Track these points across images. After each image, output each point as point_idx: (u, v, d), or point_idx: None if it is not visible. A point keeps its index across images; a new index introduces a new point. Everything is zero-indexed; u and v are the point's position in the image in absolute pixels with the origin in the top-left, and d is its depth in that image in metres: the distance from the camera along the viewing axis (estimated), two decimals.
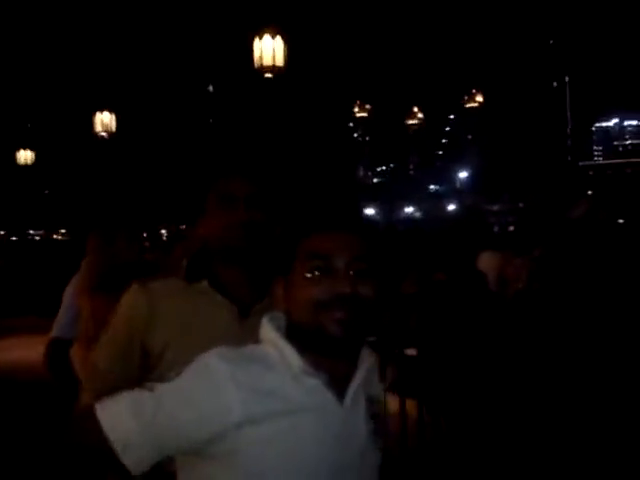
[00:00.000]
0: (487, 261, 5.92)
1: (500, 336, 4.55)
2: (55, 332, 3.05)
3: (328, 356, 1.08)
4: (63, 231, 39.04)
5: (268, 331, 1.11)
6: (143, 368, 1.50)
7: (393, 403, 4.05)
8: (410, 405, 4.15)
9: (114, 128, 15.86)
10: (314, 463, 1.05)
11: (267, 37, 9.17)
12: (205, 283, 1.54)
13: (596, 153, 69.15)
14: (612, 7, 59.56)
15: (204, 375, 1.03)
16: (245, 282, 1.56)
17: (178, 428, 1.01)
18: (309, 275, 1.07)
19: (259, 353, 1.09)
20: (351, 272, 1.07)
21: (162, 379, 1.08)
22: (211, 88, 69.35)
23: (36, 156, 20.21)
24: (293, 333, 1.10)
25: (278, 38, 9.17)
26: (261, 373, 1.05)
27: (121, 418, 1.02)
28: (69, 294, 3.10)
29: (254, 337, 1.20)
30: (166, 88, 54.78)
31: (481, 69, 69.08)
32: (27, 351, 8.73)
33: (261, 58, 9.25)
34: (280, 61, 9.28)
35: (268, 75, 9.23)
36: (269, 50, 9.19)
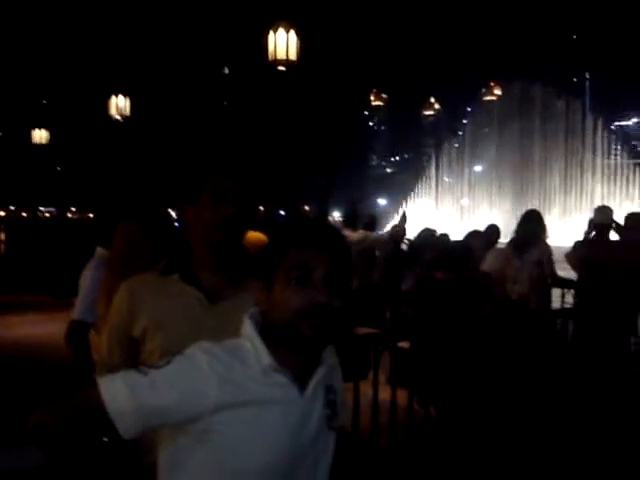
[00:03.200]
0: (491, 261, 6.02)
1: (495, 333, 4.69)
2: (77, 315, 3.17)
3: (298, 354, 1.29)
4: (74, 209, 39.31)
5: (247, 328, 1.31)
6: (133, 355, 1.73)
7: (384, 393, 4.21)
8: (401, 396, 4.31)
9: (128, 112, 16.00)
10: (275, 445, 1.26)
11: (281, 31, 9.24)
12: (176, 275, 1.75)
13: (615, 152, 68.25)
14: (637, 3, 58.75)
15: (188, 365, 1.24)
16: (216, 271, 1.76)
17: (163, 407, 1.21)
18: (290, 284, 1.25)
19: (237, 347, 1.29)
20: (326, 284, 1.25)
21: (145, 363, 1.32)
22: (226, 70, 69.11)
23: (51, 135, 20.40)
24: (268, 331, 1.29)
25: (292, 32, 9.23)
26: (235, 366, 1.25)
27: (118, 392, 1.21)
28: (88, 278, 3.21)
29: (222, 322, 1.45)
30: (181, 72, 54.71)
31: (500, 62, 68.31)
32: (35, 328, 8.95)
33: (275, 51, 9.34)
34: (293, 55, 9.36)
35: (281, 68, 9.31)
36: (283, 44, 9.27)
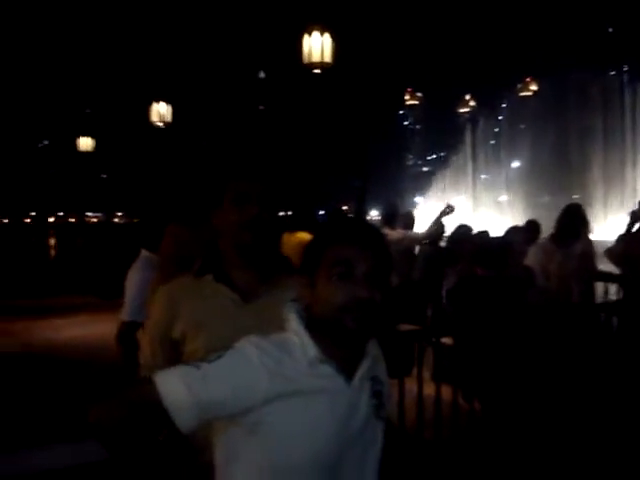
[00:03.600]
0: (532, 256, 5.99)
1: (539, 324, 4.67)
2: (126, 316, 3.25)
3: (342, 347, 1.36)
4: (120, 214, 40.05)
5: (293, 322, 1.38)
6: (174, 356, 1.81)
7: (429, 389, 4.25)
8: (445, 391, 4.35)
9: (170, 118, 16.28)
10: (324, 434, 1.31)
11: (316, 34, 9.32)
12: (210, 276, 1.83)
13: None
14: None
15: (238, 358, 1.30)
16: (247, 270, 1.83)
17: (217, 399, 1.27)
18: (332, 279, 1.33)
19: (283, 341, 1.36)
20: (368, 280, 1.32)
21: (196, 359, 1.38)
22: (262, 74, 69.58)
23: (96, 143, 20.86)
24: (314, 325, 1.36)
25: (326, 35, 9.30)
26: (284, 359, 1.32)
27: (175, 387, 1.25)
28: (134, 280, 3.30)
29: (258, 320, 1.53)
30: (218, 77, 55.27)
31: (535, 56, 67.21)
32: (84, 330, 9.18)
33: (310, 54, 9.42)
34: (328, 57, 9.43)
35: (317, 71, 9.39)
36: (318, 47, 9.35)
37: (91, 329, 8.93)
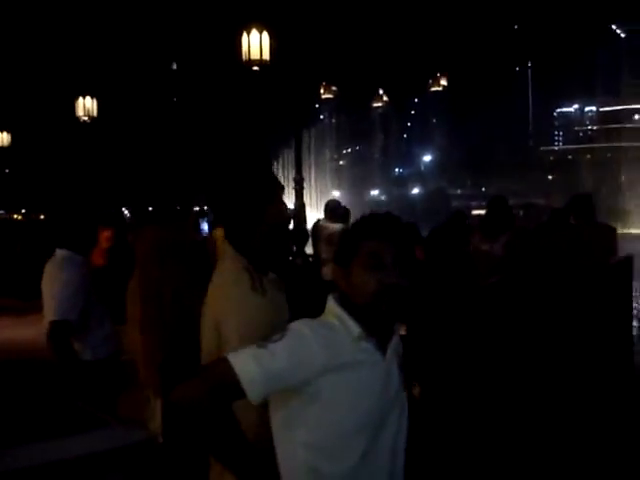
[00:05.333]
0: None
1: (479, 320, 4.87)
2: (57, 315, 3.09)
3: (377, 326, 1.56)
4: (23, 211, 38.43)
5: (334, 306, 1.58)
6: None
7: None
8: None
9: (95, 113, 15.96)
10: (370, 399, 1.54)
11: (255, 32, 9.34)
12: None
13: (557, 138, 70.39)
14: None
15: (298, 337, 1.49)
16: None
17: (284, 373, 1.46)
18: (366, 269, 1.53)
19: (326, 322, 1.57)
20: (394, 268, 1.54)
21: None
22: (175, 66, 68.37)
23: (12, 138, 20.12)
24: (352, 309, 1.56)
25: (265, 33, 9.35)
26: (332, 336, 1.52)
27: (247, 363, 1.44)
28: (62, 279, 3.14)
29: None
30: (139, 71, 54.03)
31: (446, 53, 69.43)
32: (12, 332, 8.80)
33: (248, 52, 9.45)
34: (267, 55, 9.47)
35: (255, 68, 9.43)
36: (256, 44, 9.38)
37: (17, 331, 8.58)
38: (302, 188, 10.12)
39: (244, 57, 9.43)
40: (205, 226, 10.22)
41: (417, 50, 69.80)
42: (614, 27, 63.67)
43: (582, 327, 5.25)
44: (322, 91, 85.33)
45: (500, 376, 4.63)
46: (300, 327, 1.51)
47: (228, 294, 1.79)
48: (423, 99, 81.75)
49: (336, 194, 66.17)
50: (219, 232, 4.31)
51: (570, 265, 5.72)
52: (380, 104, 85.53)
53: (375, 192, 74.13)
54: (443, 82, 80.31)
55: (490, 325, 4.79)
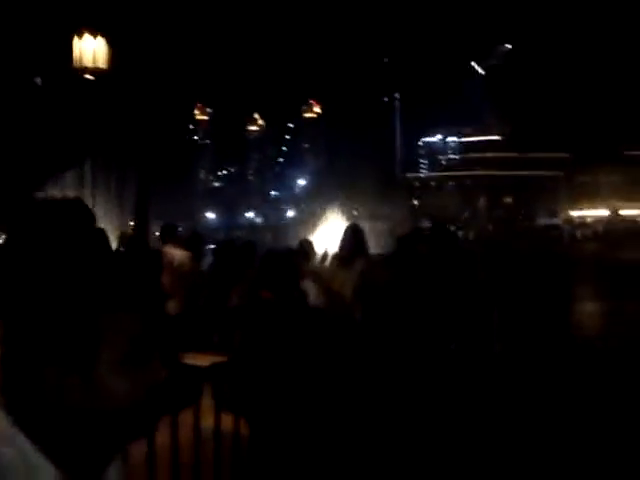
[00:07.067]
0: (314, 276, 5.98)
1: (316, 352, 4.63)
2: None
3: None
4: None
5: None
6: None
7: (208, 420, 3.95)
8: (226, 421, 4.09)
9: None
10: None
11: (88, 37, 8.70)
12: None
13: (422, 166, 74.41)
14: (443, 33, 64.27)
15: None
16: None
17: None
18: None
19: None
20: None
21: None
22: (39, 81, 64.85)
23: None
24: None
25: (99, 39, 8.74)
26: None
27: None
28: None
29: None
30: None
31: (319, 81, 71.14)
32: None
33: (81, 59, 8.77)
34: (102, 63, 8.84)
35: (89, 76, 8.77)
36: (90, 51, 8.75)
37: None
38: (146, 209, 9.45)
39: (75, 63, 8.75)
40: None
41: (292, 77, 70.98)
42: (473, 64, 68.28)
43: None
44: (196, 112, 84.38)
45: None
46: None
47: None
48: (298, 125, 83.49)
49: (211, 216, 65.24)
50: None
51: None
52: (256, 127, 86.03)
53: (251, 214, 74.08)
54: (317, 109, 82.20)
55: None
